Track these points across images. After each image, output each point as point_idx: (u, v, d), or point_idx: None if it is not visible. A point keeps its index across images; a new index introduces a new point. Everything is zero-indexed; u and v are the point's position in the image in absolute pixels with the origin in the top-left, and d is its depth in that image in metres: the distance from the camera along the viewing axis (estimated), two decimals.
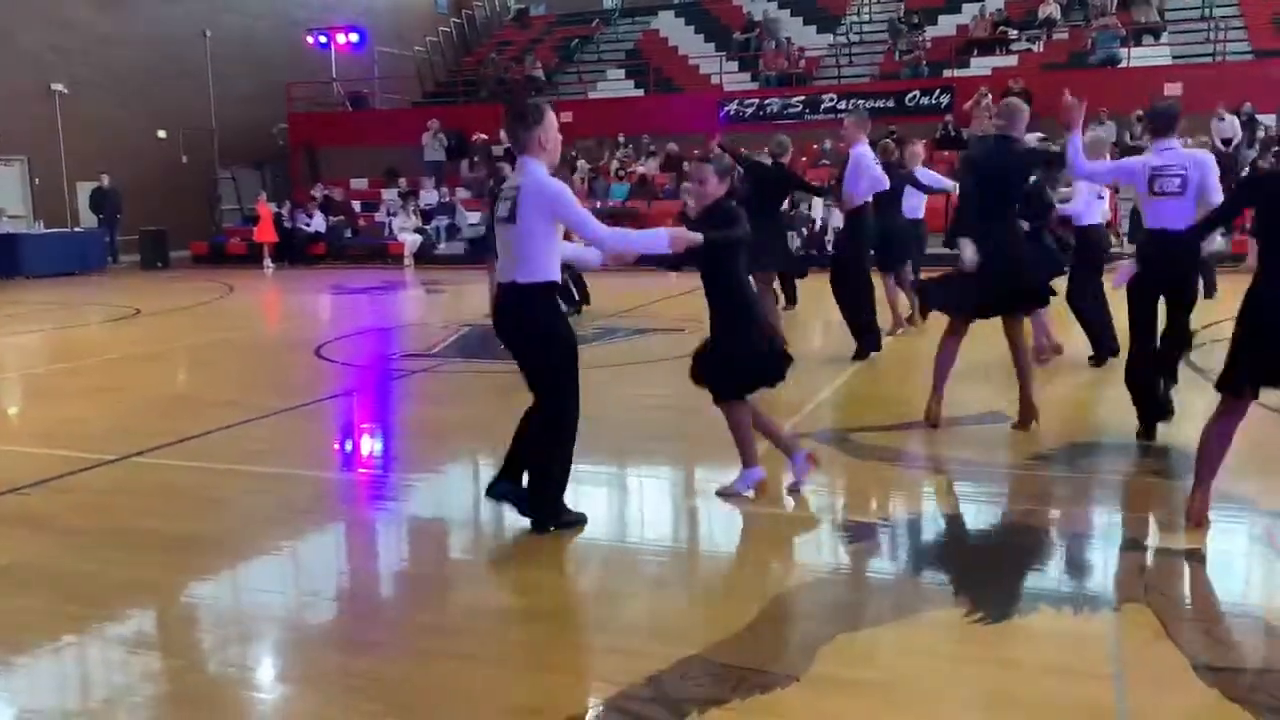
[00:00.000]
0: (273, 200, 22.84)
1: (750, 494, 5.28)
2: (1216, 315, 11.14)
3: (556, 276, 4.67)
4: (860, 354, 8.93)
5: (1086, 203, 8.10)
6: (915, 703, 3.24)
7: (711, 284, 5.11)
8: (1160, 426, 6.27)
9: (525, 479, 4.85)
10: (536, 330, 4.64)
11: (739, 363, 5.11)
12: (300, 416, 7.50)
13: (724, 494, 5.28)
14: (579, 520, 4.89)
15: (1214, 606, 4.00)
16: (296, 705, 3.38)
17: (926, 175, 10.40)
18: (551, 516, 4.80)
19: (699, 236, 4.80)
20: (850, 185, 8.94)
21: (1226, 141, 18.09)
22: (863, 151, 8.98)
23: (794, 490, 5.34)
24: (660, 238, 4.77)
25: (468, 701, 3.30)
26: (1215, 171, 5.85)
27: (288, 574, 4.61)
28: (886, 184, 9.18)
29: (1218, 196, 5.71)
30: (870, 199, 9.07)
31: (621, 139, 23.28)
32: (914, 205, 10.46)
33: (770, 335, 5.31)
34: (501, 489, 4.87)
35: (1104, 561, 4.51)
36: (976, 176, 6.36)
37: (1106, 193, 9.26)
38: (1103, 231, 8.67)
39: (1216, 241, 6.23)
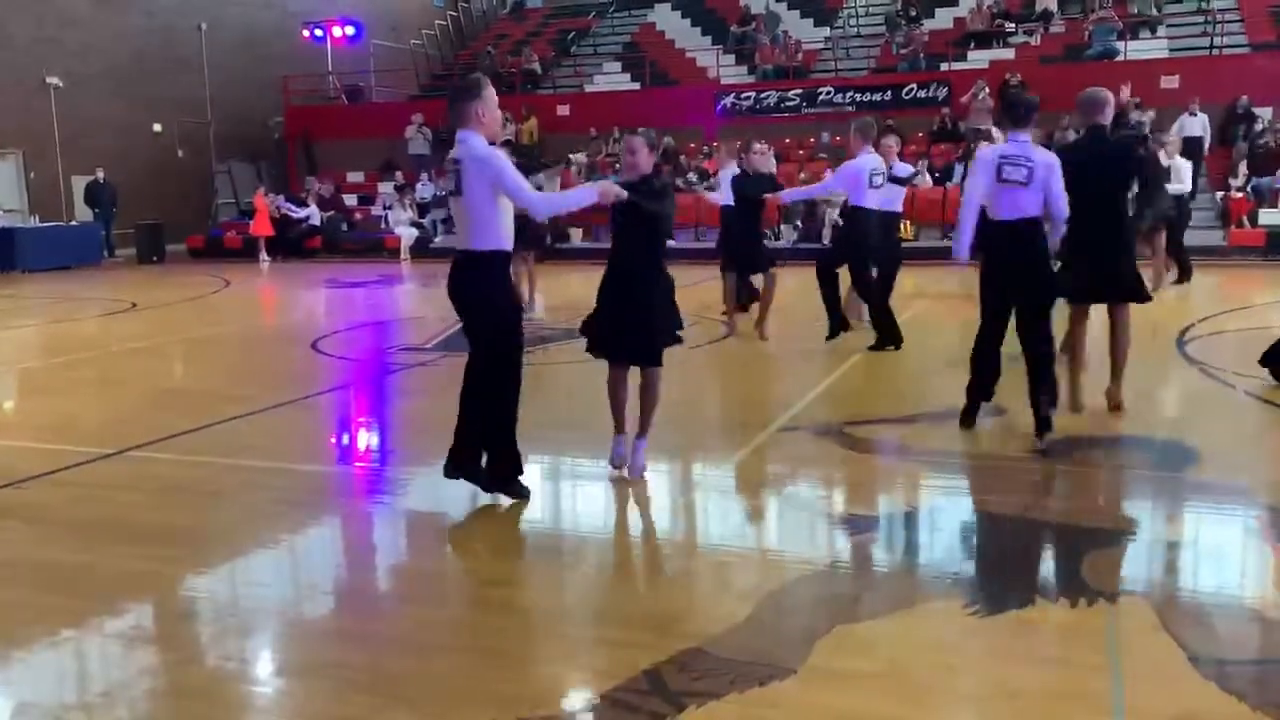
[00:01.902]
0: (270, 194, 22.80)
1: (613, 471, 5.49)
2: (1209, 309, 11.18)
3: (507, 245, 4.85)
4: (877, 344, 9.04)
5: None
6: (913, 694, 3.24)
7: (631, 251, 5.28)
8: (1160, 421, 6.28)
9: (484, 457, 5.06)
10: (485, 297, 4.84)
11: (660, 327, 5.30)
12: (297, 410, 7.49)
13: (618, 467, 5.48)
14: (525, 494, 5.12)
15: (1211, 598, 4.00)
16: (294, 699, 3.38)
17: (900, 168, 10.42)
18: (499, 482, 5.02)
19: (624, 192, 5.00)
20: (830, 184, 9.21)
21: (1195, 140, 17.85)
22: (851, 163, 9.15)
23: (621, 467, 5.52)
24: (590, 192, 5.05)
25: (466, 694, 3.30)
26: (1059, 176, 5.90)
27: (285, 568, 4.61)
28: (842, 189, 9.38)
29: (1062, 202, 5.90)
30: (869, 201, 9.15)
31: (616, 132, 23.25)
32: (890, 198, 10.49)
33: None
34: (456, 468, 5.07)
35: (1100, 553, 4.52)
36: (1076, 176, 6.17)
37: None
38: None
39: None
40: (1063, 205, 5.91)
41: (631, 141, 5.29)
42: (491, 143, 4.87)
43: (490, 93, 4.82)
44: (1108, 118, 6.48)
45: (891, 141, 10.48)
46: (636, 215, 5.14)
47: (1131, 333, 6.56)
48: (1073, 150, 6.73)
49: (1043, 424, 5.87)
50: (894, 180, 9.98)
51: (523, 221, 5.92)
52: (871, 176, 8.98)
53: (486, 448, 5.04)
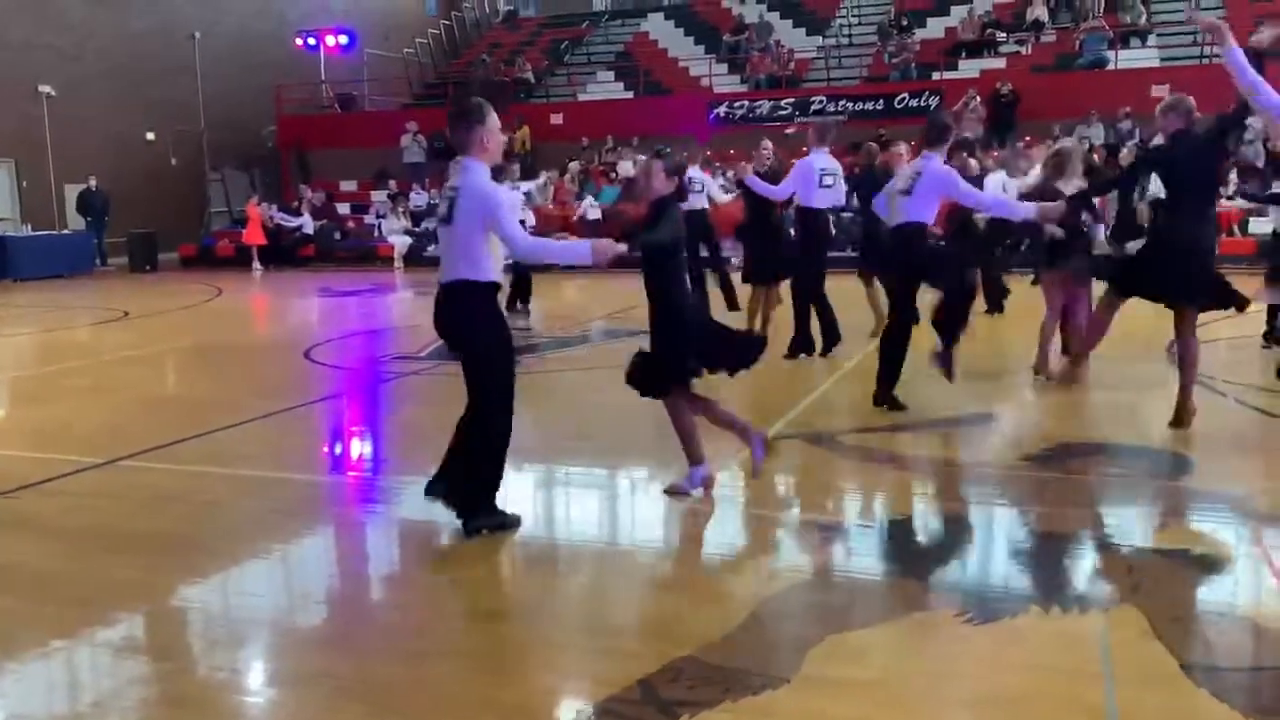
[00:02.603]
0: (264, 203, 22.78)
1: (697, 493, 5.28)
2: (1201, 317, 11.20)
3: (495, 276, 4.77)
4: (790, 353, 8.96)
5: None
6: (906, 703, 3.25)
7: (647, 283, 5.14)
8: (1155, 431, 6.32)
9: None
10: (473, 330, 4.71)
11: (666, 359, 5.15)
12: (289, 419, 7.48)
13: (671, 492, 5.32)
14: (513, 522, 4.88)
15: (1203, 607, 4.01)
16: (286, 708, 3.37)
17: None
18: (477, 515, 4.81)
19: (623, 248, 4.85)
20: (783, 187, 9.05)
21: (1112, 148, 17.57)
22: (805, 160, 9.01)
23: (755, 474, 5.46)
24: (584, 251, 4.85)
25: (457, 703, 3.30)
26: (950, 184, 6.71)
27: (277, 577, 4.60)
28: (783, 195, 9.15)
29: (967, 200, 6.99)
30: (823, 202, 9.03)
31: (610, 141, 23.28)
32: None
33: (716, 329, 5.35)
34: (438, 489, 4.89)
35: (1093, 562, 4.53)
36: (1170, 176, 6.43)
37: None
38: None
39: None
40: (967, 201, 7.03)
41: (650, 165, 5.16)
42: (494, 165, 4.81)
43: (494, 119, 4.72)
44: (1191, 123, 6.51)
45: (901, 150, 10.40)
46: (648, 249, 5.04)
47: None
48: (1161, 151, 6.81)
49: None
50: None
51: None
52: (822, 176, 8.85)
53: (469, 475, 4.84)
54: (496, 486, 4.85)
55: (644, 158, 5.18)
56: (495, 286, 4.78)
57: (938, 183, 6.69)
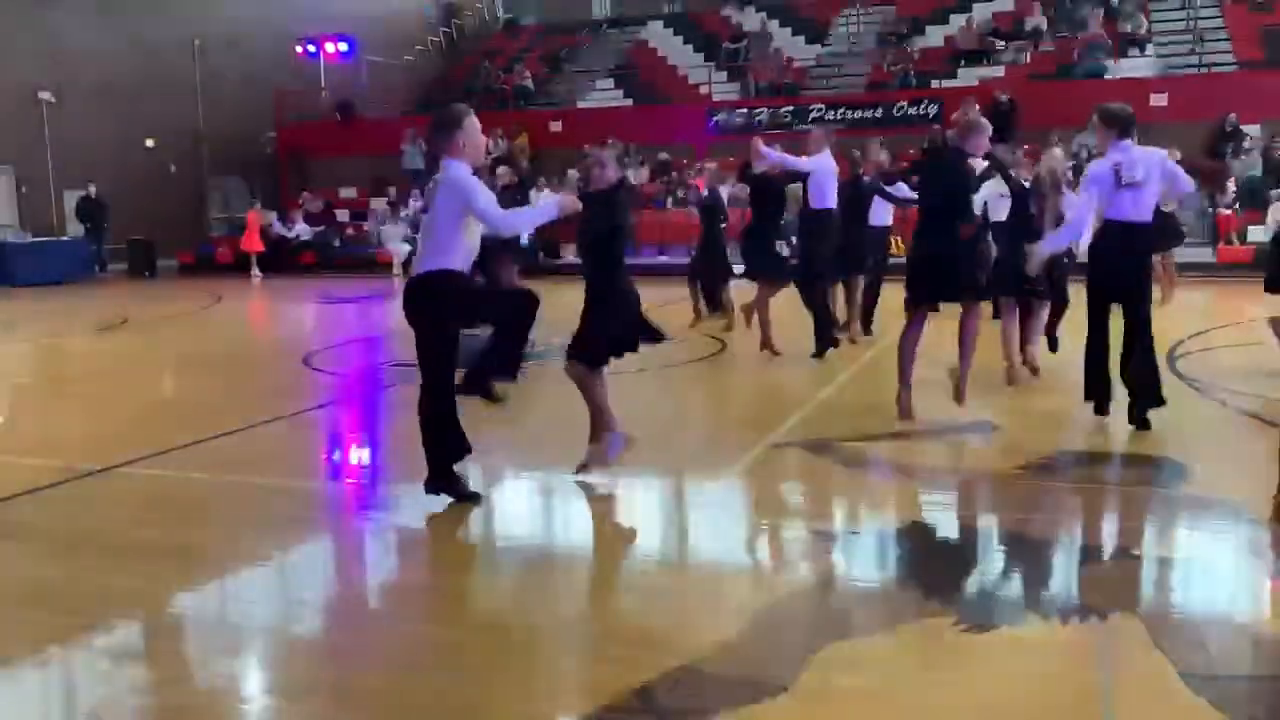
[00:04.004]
0: (264, 210, 22.79)
1: (617, 459, 5.48)
2: (1199, 325, 11.22)
3: (457, 266, 5.03)
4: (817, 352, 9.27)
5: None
6: (904, 712, 3.24)
7: (591, 263, 5.51)
8: (1152, 437, 6.32)
9: (454, 468, 5.27)
10: (433, 312, 5.04)
11: (599, 337, 5.45)
12: (288, 426, 7.47)
13: (589, 467, 5.54)
14: (472, 497, 5.26)
15: (1202, 615, 4.01)
16: (283, 716, 3.36)
17: (898, 188, 10.46)
18: (435, 480, 5.18)
19: (578, 204, 5.25)
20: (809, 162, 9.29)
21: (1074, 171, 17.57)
22: (826, 157, 9.27)
23: (584, 469, 5.56)
24: (550, 207, 5.27)
25: (456, 712, 3.29)
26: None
27: (275, 585, 4.59)
28: (808, 168, 9.31)
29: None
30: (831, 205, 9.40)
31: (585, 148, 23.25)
32: (881, 213, 10.54)
33: (636, 320, 5.60)
34: (434, 486, 5.25)
35: (1092, 570, 4.52)
36: None
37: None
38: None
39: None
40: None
41: (600, 155, 5.56)
42: (475, 169, 5.08)
43: (471, 122, 5.01)
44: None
45: (881, 154, 10.58)
46: (592, 228, 5.40)
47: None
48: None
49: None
50: (888, 199, 10.02)
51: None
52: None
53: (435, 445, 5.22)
54: (446, 459, 5.22)
55: (597, 152, 5.55)
56: (455, 274, 5.03)
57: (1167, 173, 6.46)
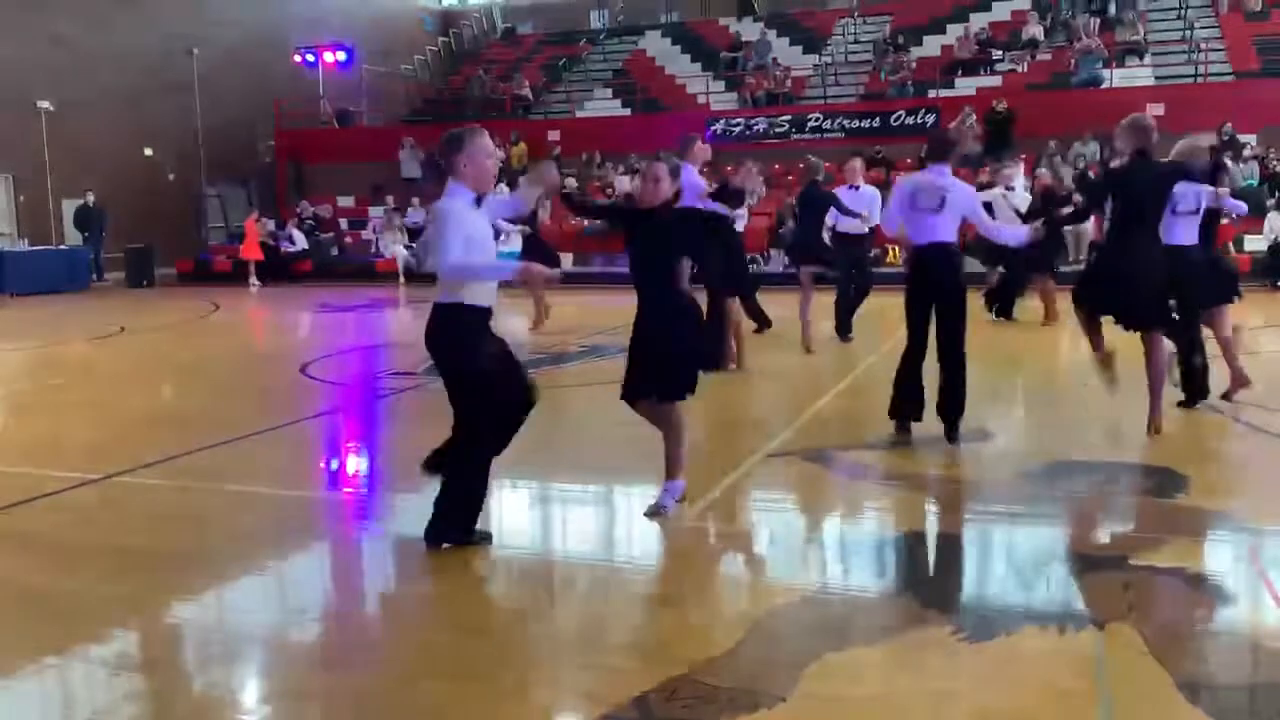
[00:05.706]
0: (262, 219, 22.80)
1: (675, 509, 5.23)
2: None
3: (474, 300, 4.63)
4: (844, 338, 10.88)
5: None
6: None
7: (654, 283, 5.09)
8: (1148, 446, 6.33)
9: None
10: (452, 352, 4.65)
11: (687, 361, 5.11)
12: (286, 435, 7.47)
13: (654, 514, 5.18)
14: (482, 539, 4.85)
15: (1199, 624, 4.01)
16: None
17: (849, 197, 10.71)
18: (438, 536, 4.77)
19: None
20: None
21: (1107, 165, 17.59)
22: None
23: (655, 513, 5.21)
24: (504, 270, 4.83)
25: None
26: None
27: (272, 593, 4.59)
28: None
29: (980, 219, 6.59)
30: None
31: (598, 157, 23.30)
32: (853, 222, 10.77)
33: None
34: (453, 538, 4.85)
35: (1089, 580, 4.52)
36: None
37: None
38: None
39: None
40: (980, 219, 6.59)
41: (656, 169, 5.12)
42: (480, 192, 4.74)
43: (475, 144, 4.65)
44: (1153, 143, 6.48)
45: (856, 164, 11.15)
46: (657, 242, 5.06)
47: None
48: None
49: (951, 430, 6.45)
50: (841, 210, 10.35)
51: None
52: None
53: (441, 490, 4.83)
54: (466, 508, 4.77)
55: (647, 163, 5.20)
56: (477, 311, 4.65)
57: (966, 201, 6.49)
